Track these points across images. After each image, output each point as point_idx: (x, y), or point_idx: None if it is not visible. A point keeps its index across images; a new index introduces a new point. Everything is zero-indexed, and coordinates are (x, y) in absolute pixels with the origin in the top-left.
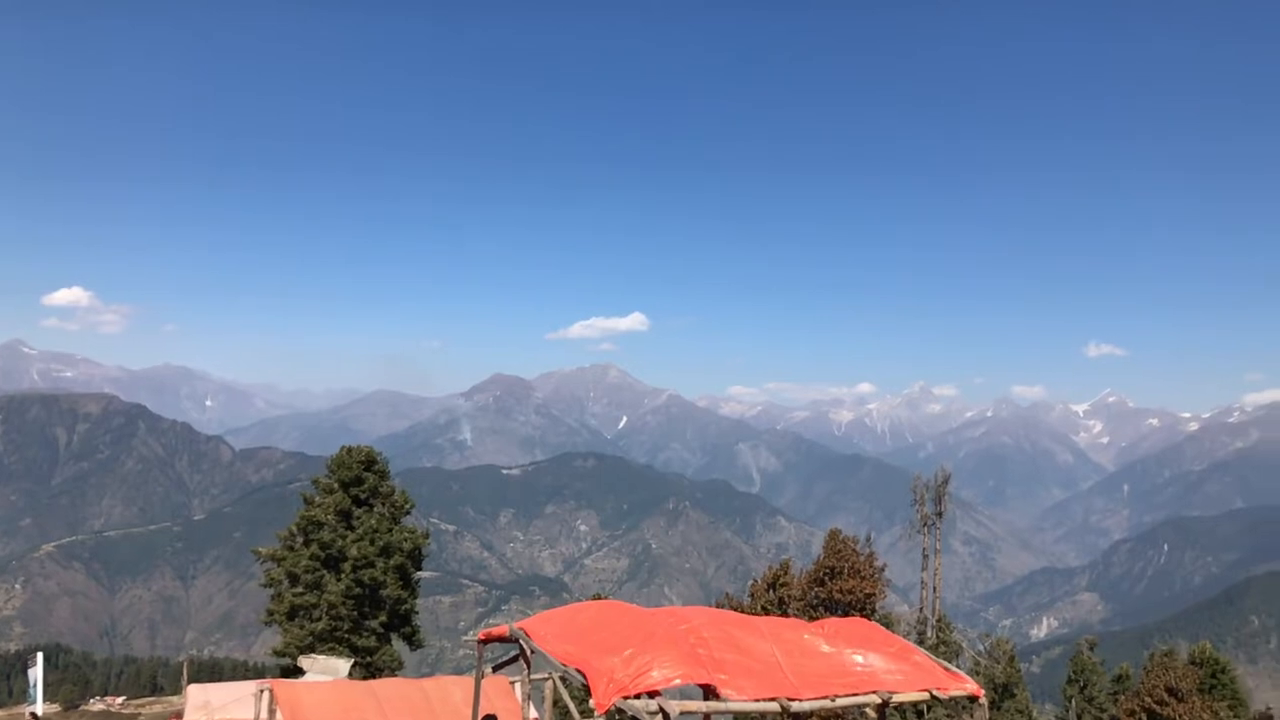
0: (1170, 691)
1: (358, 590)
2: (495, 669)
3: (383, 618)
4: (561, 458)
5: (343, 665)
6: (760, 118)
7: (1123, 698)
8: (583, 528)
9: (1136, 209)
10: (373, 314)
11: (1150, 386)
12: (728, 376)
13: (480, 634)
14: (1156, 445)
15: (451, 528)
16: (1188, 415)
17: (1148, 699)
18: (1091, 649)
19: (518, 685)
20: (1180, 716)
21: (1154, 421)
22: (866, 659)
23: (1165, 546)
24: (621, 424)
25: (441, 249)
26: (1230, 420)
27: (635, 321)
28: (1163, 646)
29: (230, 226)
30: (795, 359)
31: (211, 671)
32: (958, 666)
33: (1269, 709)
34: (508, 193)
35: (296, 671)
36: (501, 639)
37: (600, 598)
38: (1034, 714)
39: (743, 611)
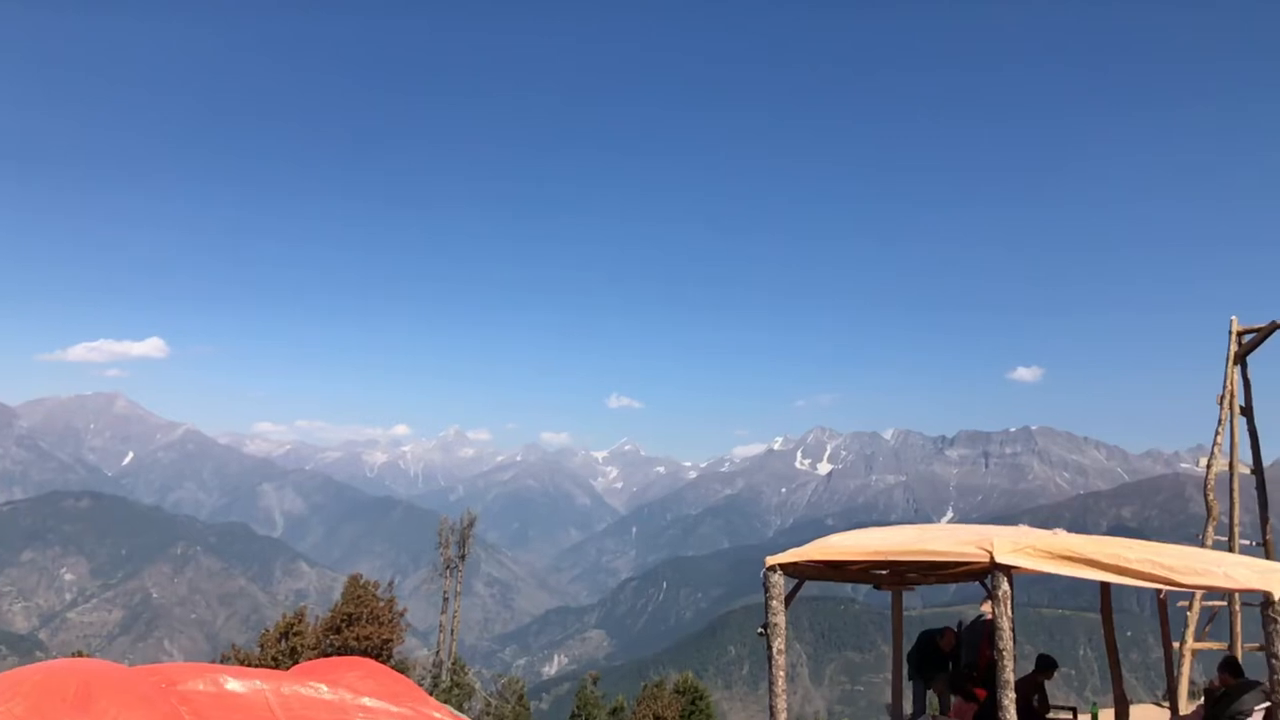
0: (657, 719)
1: None
2: None
3: None
4: (48, 496)
5: None
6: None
7: None
8: (69, 576)
9: (658, 275)
10: None
11: (660, 437)
12: (255, 412)
13: None
14: (662, 491)
15: None
16: (689, 464)
17: None
18: (595, 683)
19: None
20: None
21: (661, 469)
22: (370, 705)
23: (664, 584)
24: (127, 460)
25: None
26: (722, 470)
27: (151, 347)
28: (655, 678)
29: None
30: (331, 397)
31: None
32: (469, 708)
33: None
34: None
35: None
36: None
37: (82, 655)
38: None
39: (250, 664)
